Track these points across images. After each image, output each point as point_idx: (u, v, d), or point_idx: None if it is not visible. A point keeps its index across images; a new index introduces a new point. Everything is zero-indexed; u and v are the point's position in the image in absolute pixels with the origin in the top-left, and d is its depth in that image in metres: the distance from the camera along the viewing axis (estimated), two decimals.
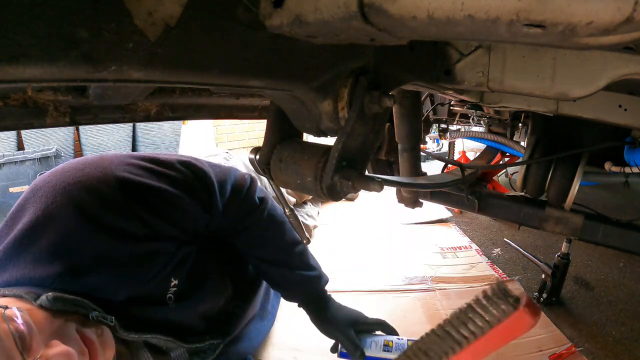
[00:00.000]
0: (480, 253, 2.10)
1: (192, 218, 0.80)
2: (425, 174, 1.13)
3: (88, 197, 0.65)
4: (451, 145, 3.21)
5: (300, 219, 1.73)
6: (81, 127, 3.30)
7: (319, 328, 1.00)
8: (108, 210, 0.66)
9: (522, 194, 1.14)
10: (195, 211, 0.79)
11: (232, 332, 0.99)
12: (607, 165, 1.04)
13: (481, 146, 1.58)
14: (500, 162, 1.66)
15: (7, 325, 0.50)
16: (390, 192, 2.09)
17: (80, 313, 0.63)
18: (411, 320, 1.43)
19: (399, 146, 1.07)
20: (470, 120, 1.54)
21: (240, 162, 1.92)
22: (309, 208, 2.42)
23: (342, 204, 2.76)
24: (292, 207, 0.97)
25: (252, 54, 0.34)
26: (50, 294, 0.60)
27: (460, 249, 2.16)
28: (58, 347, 0.54)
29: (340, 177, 0.46)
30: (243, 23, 0.32)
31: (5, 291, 0.61)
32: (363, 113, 0.46)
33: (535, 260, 1.76)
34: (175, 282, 0.78)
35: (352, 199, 2.87)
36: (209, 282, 0.90)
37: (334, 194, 0.47)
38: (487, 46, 0.59)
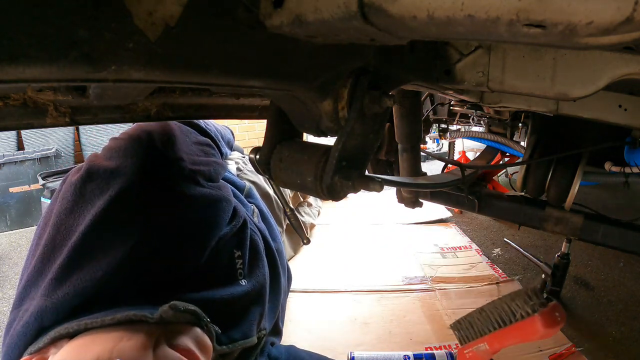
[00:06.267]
0: (480, 253, 2.10)
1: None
2: (425, 174, 1.13)
3: None
4: (451, 145, 3.21)
5: (299, 217, 1.72)
6: (81, 127, 3.30)
7: None
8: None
9: (522, 194, 1.14)
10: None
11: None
12: (607, 165, 1.04)
13: (481, 146, 1.58)
14: (500, 162, 1.67)
15: None
16: (390, 192, 2.08)
17: (190, 323, 0.54)
18: (411, 320, 1.43)
19: (399, 146, 1.07)
20: (470, 120, 1.54)
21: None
22: (306, 207, 2.43)
23: (342, 204, 2.76)
24: (292, 206, 0.97)
25: (252, 54, 0.34)
26: (172, 303, 0.51)
27: (460, 249, 2.16)
28: None
29: (341, 177, 0.46)
30: (243, 23, 0.32)
31: (76, 324, 0.48)
32: (363, 113, 0.46)
33: (535, 260, 1.76)
34: (238, 253, 0.73)
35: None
36: (262, 260, 0.82)
37: (334, 194, 0.47)
38: (487, 46, 0.59)
